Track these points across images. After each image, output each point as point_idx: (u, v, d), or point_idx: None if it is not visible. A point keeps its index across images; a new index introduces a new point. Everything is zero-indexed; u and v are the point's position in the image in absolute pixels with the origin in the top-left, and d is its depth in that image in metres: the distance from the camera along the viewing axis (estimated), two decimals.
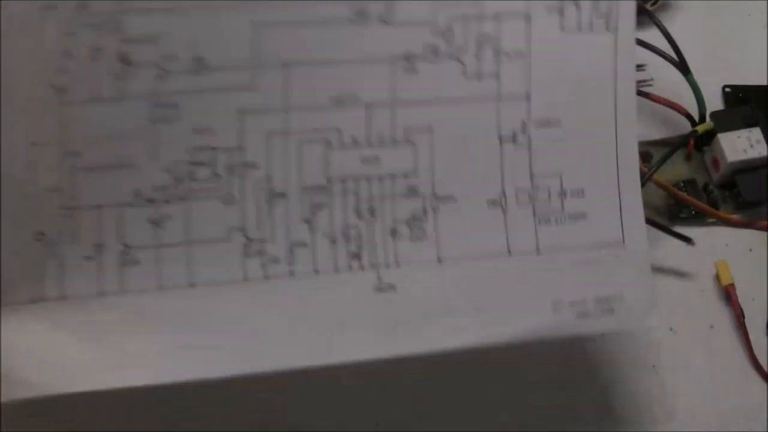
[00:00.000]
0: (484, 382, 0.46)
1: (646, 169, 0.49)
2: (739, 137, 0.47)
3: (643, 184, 0.46)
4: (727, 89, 0.51)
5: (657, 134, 0.50)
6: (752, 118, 0.47)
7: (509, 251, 0.35)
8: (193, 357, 0.35)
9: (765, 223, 0.48)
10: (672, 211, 0.48)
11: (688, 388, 0.46)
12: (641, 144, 0.52)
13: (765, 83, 0.51)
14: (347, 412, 0.44)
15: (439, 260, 0.36)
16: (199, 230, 0.34)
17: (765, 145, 0.47)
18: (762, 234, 0.48)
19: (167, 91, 0.34)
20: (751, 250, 0.48)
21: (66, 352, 0.34)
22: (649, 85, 0.53)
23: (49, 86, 0.34)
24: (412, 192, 0.35)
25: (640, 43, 0.50)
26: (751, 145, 0.47)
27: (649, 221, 0.47)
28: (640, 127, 0.51)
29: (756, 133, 0.47)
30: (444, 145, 0.35)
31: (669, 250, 0.48)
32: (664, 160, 0.46)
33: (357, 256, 0.36)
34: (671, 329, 0.47)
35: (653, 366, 0.46)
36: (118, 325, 0.34)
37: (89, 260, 0.34)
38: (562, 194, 0.36)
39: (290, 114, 0.35)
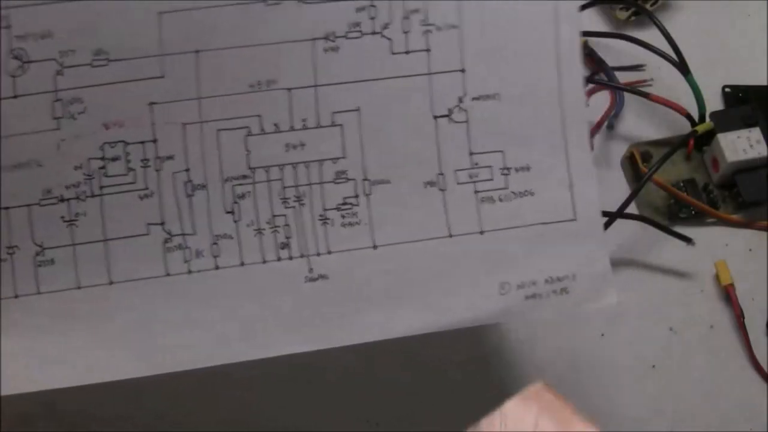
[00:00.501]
0: (483, 382, 0.43)
1: (646, 169, 0.46)
2: (738, 137, 0.45)
3: (643, 184, 0.42)
4: (727, 89, 0.49)
5: (657, 134, 0.48)
6: (752, 118, 0.45)
7: (450, 233, 0.33)
8: (115, 356, 0.32)
9: (765, 223, 0.47)
10: (672, 211, 0.46)
11: (688, 388, 0.44)
12: (641, 144, 0.49)
13: (765, 83, 0.49)
14: (348, 412, 0.42)
15: (374, 246, 0.33)
16: (116, 226, 0.32)
17: (765, 145, 0.45)
18: (762, 234, 0.47)
19: (68, 87, 0.31)
20: (750, 250, 0.47)
21: None
22: (649, 85, 0.51)
23: None
24: (342, 177, 0.33)
25: (640, 43, 0.47)
26: (751, 145, 0.45)
27: (649, 221, 0.44)
28: (640, 127, 0.47)
29: (756, 133, 0.45)
30: (374, 126, 0.33)
31: (669, 250, 0.46)
32: (664, 160, 0.44)
33: (285, 245, 0.33)
34: (671, 329, 0.45)
35: (653, 366, 0.44)
36: (37, 326, 0.32)
37: (1, 262, 0.32)
38: (506, 171, 0.34)
39: (205, 102, 0.32)
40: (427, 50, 0.33)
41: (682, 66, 0.46)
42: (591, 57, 0.51)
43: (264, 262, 0.33)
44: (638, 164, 0.47)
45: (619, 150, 0.49)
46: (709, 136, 0.47)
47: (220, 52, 0.32)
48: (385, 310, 0.34)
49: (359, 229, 0.33)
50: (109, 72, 0.32)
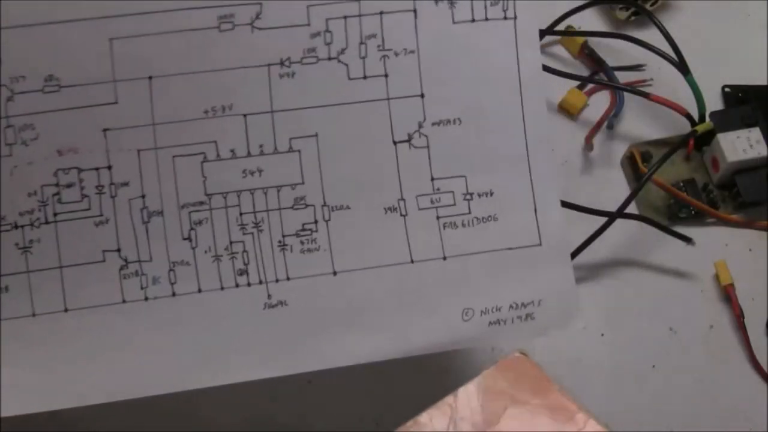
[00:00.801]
0: None
1: (645, 169, 0.45)
2: (738, 137, 0.44)
3: (643, 184, 0.40)
4: (727, 89, 0.48)
5: (657, 134, 0.47)
6: (752, 118, 0.44)
7: (411, 259, 0.33)
8: (71, 383, 0.31)
9: (765, 223, 0.46)
10: (672, 211, 0.45)
11: (688, 388, 0.43)
12: (641, 144, 0.47)
13: (765, 83, 0.47)
14: (347, 412, 0.41)
15: (334, 272, 0.32)
16: (71, 253, 0.31)
17: (764, 145, 0.44)
18: (762, 234, 0.46)
19: (20, 113, 0.30)
20: (750, 250, 0.46)
21: None
22: (649, 85, 0.49)
23: None
24: (300, 203, 0.32)
25: (640, 43, 0.45)
26: (751, 145, 0.44)
27: (649, 221, 0.42)
28: (641, 127, 0.45)
29: (755, 133, 0.44)
30: (332, 152, 0.32)
31: (669, 250, 0.45)
32: (663, 160, 0.43)
33: (244, 272, 0.32)
34: (671, 329, 0.44)
35: (653, 366, 0.43)
36: None
37: None
38: (468, 196, 0.33)
39: (159, 128, 0.31)
40: (385, 75, 0.32)
41: (682, 66, 0.45)
42: (591, 57, 0.50)
43: (222, 288, 0.32)
44: (638, 164, 0.46)
45: (619, 150, 0.49)
46: (709, 136, 0.46)
47: (173, 78, 0.31)
48: (345, 336, 0.33)
49: (319, 255, 0.33)
50: (61, 98, 0.31)
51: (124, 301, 0.32)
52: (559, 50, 0.52)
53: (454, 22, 0.33)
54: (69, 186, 0.31)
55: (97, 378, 0.32)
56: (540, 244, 0.34)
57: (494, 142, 0.33)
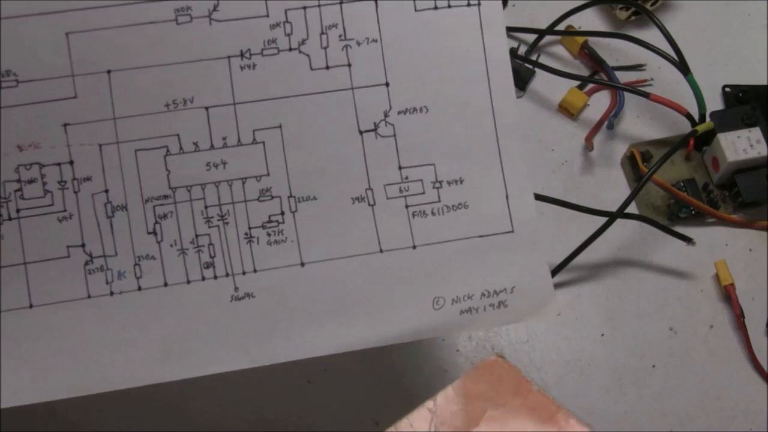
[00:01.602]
0: None
1: (645, 169, 0.43)
2: (738, 137, 0.43)
3: (643, 184, 0.39)
4: (727, 89, 0.47)
5: (657, 134, 0.46)
6: (752, 118, 0.43)
7: (381, 249, 0.32)
8: (39, 378, 0.31)
9: (765, 223, 0.44)
10: (672, 211, 0.44)
11: (688, 388, 0.42)
12: (641, 144, 0.46)
13: (765, 83, 0.47)
14: (347, 411, 0.40)
15: (302, 263, 0.32)
16: (36, 249, 0.31)
17: (765, 145, 0.43)
18: (762, 234, 0.44)
19: None
20: (750, 250, 0.45)
21: None
22: (649, 85, 0.48)
23: None
24: (266, 194, 0.32)
25: (640, 43, 0.44)
26: (751, 145, 0.43)
27: (649, 221, 0.41)
28: (641, 127, 0.43)
29: (756, 133, 0.43)
30: (297, 143, 0.31)
31: (669, 250, 0.44)
32: (664, 159, 0.42)
33: (210, 265, 0.32)
34: (671, 329, 0.43)
35: (653, 366, 0.42)
36: None
37: None
38: (438, 184, 0.32)
39: (120, 122, 0.31)
40: (348, 65, 0.32)
41: (682, 66, 0.44)
42: (591, 57, 0.50)
43: (188, 282, 0.32)
44: (638, 164, 0.44)
45: (619, 150, 0.48)
46: (709, 136, 0.45)
47: (132, 72, 0.31)
48: (314, 328, 0.32)
49: (286, 247, 0.32)
50: (20, 93, 0.30)
51: (89, 296, 0.32)
52: (559, 50, 0.51)
53: (416, 10, 0.32)
54: (31, 182, 0.31)
55: (64, 373, 0.31)
56: (512, 231, 0.33)
57: (463, 130, 0.32)
